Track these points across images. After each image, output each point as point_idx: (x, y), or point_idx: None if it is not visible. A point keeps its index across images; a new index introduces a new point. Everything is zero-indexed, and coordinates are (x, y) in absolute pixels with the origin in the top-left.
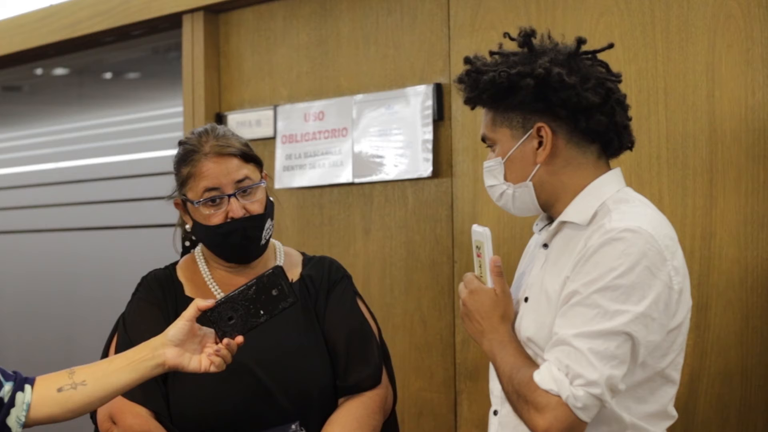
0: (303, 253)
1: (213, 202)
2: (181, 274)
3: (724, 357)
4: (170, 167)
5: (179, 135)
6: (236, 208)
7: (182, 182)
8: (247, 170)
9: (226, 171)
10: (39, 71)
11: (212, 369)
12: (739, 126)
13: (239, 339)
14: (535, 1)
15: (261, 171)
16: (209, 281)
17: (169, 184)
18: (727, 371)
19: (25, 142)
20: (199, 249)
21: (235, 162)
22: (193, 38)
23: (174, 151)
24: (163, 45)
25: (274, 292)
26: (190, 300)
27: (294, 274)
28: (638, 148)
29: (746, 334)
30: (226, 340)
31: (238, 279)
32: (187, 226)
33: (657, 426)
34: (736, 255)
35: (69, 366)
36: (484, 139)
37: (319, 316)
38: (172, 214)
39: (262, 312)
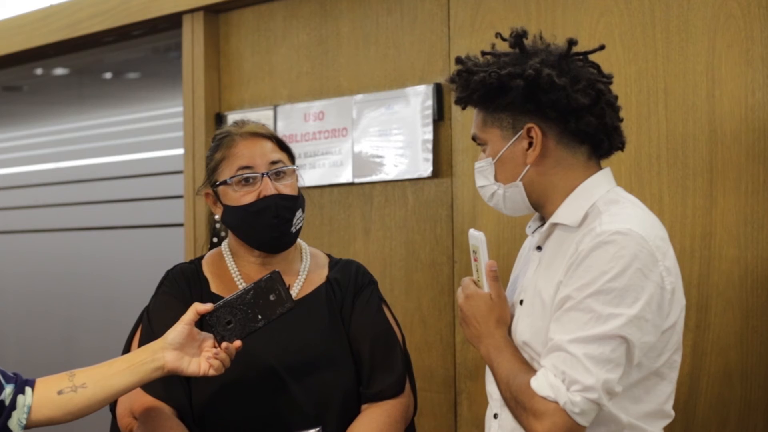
0: (329, 255)
1: (246, 181)
2: (207, 269)
3: (724, 357)
4: (170, 167)
5: (179, 135)
6: (269, 187)
7: (214, 168)
8: (281, 156)
9: (261, 151)
10: (39, 71)
11: (211, 372)
12: (739, 126)
13: (237, 343)
14: (535, 1)
15: (293, 162)
16: (236, 277)
17: (169, 184)
18: (727, 371)
19: (25, 142)
20: (225, 244)
21: (269, 144)
22: (193, 38)
23: (174, 151)
24: (163, 45)
25: (271, 297)
26: (217, 297)
27: (320, 276)
28: (638, 148)
29: (746, 334)
30: (224, 344)
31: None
32: (216, 216)
33: (654, 425)
34: (735, 255)
35: (69, 366)
36: (474, 139)
37: (344, 320)
38: (172, 214)
39: (260, 317)
